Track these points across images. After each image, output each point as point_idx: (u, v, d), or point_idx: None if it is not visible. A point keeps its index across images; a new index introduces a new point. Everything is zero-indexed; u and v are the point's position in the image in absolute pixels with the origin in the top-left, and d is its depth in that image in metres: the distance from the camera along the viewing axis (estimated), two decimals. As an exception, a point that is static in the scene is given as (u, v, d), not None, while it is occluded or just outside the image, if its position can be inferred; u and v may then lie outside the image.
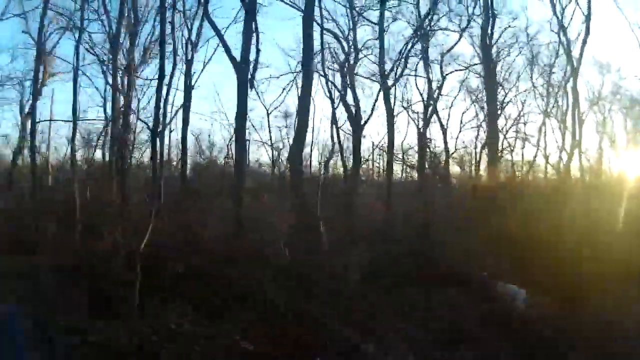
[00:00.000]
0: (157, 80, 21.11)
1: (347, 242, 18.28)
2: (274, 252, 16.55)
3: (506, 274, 17.76)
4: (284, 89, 27.90)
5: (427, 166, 31.07)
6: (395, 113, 27.65)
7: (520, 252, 18.95)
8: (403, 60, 27.55)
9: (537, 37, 31.55)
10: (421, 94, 30.97)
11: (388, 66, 27.76)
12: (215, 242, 17.48)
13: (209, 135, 38.39)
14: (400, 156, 33.49)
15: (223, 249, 16.66)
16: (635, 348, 11.57)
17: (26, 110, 28.52)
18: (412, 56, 28.22)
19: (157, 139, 21.52)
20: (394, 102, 28.27)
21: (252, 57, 21.22)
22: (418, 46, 28.11)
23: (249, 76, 21.50)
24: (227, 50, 21.59)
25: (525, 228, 21.05)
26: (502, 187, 28.15)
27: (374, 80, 28.45)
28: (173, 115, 26.24)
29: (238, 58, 20.92)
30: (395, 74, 27.91)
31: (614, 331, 12.29)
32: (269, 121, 30.78)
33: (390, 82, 27.35)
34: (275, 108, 31.60)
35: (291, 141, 21.00)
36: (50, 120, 28.09)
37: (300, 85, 23.03)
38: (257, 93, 26.88)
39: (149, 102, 24.06)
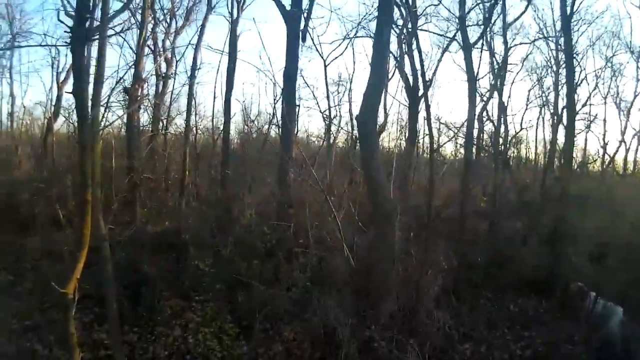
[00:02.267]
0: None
1: (422, 239, 15.03)
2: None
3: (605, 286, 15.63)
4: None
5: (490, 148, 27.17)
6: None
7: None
8: (487, 15, 23.03)
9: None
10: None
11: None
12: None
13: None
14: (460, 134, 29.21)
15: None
16: None
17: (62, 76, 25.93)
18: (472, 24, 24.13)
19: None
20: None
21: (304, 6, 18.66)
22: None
23: (301, 27, 18.89)
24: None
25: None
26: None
27: (450, 39, 23.95)
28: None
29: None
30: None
31: None
32: (326, 79, 25.39)
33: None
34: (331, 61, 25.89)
35: (344, 109, 15.85)
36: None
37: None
38: (315, 46, 22.40)
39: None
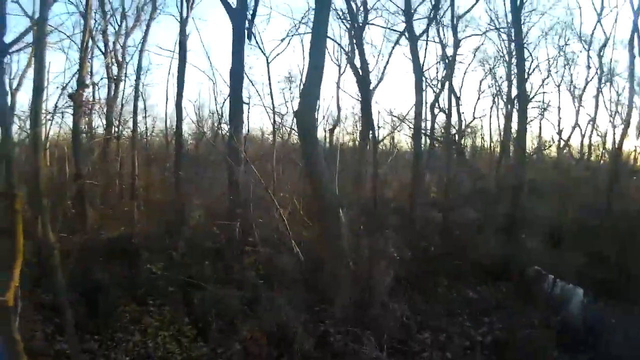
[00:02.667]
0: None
1: (371, 230, 15.35)
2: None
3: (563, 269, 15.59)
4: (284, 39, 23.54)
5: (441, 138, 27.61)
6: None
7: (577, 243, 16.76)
8: (433, 7, 23.68)
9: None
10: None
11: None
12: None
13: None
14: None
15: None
16: None
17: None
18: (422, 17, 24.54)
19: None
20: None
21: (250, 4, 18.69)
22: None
23: (247, 25, 18.92)
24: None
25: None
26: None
27: (398, 32, 24.42)
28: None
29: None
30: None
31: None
32: (269, 76, 25.30)
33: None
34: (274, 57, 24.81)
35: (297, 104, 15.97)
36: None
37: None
38: (258, 44, 22.49)
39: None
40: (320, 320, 11.95)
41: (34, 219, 11.57)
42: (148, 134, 26.78)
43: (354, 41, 24.53)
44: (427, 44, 25.92)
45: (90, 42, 20.96)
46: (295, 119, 16.08)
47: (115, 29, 24.01)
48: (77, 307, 11.39)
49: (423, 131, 24.07)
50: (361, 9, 23.76)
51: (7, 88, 23.03)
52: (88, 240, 15.35)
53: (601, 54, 28.53)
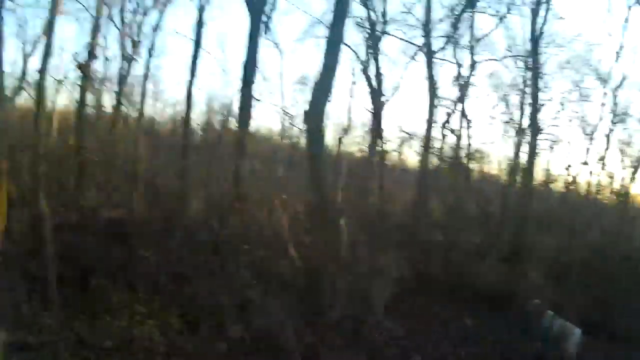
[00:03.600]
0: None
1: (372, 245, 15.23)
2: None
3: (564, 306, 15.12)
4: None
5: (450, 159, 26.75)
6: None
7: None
8: (452, 26, 23.44)
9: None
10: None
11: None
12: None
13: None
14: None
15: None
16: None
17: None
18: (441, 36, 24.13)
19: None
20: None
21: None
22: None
23: (264, 18, 19.06)
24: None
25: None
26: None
27: (416, 45, 24.27)
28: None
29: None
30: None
31: None
32: (282, 73, 25.07)
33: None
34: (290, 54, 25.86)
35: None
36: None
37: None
38: (273, 39, 22.38)
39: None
40: (312, 329, 11.65)
41: (34, 188, 11.30)
42: (157, 119, 26.55)
43: (370, 51, 24.29)
44: (443, 63, 25.13)
45: (105, 14, 20.77)
46: (304, 119, 15.88)
47: (133, 6, 23.55)
48: (68, 283, 11.17)
49: (432, 150, 23.79)
50: (380, 19, 23.61)
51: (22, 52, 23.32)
52: (85, 216, 15.05)
53: (616, 93, 28.23)
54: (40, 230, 9.58)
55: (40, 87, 10.56)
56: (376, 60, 23.48)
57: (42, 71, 9.16)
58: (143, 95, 21.43)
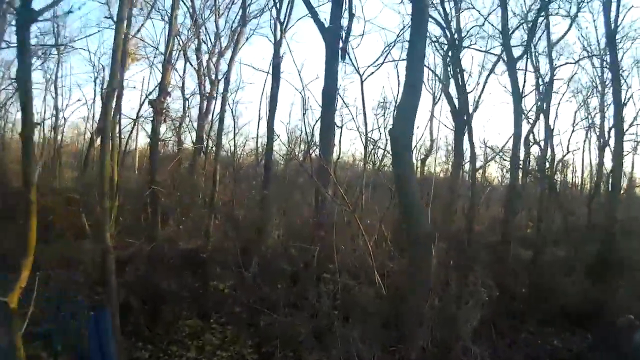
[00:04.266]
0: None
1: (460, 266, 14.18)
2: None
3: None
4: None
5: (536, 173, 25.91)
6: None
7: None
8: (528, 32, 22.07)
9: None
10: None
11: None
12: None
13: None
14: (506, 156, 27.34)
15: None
16: None
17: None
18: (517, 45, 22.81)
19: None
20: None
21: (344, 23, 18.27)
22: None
23: (340, 44, 18.46)
24: (313, 14, 18.50)
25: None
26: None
27: (495, 55, 23.63)
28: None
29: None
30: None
31: None
32: (363, 95, 23.92)
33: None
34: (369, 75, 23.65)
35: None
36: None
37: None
38: (352, 62, 21.68)
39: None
40: (393, 358, 10.77)
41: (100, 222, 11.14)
42: (238, 152, 26.66)
43: (449, 68, 23.63)
44: (525, 73, 24.38)
45: (176, 53, 21.26)
46: (389, 140, 14.98)
47: (207, 47, 24.32)
48: (138, 314, 11.16)
49: (519, 164, 22.38)
50: (455, 35, 22.83)
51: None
52: (158, 248, 14.82)
53: None
54: (105, 262, 9.33)
55: (105, 121, 10.63)
56: (456, 77, 22.57)
57: (106, 107, 9.04)
58: (220, 130, 21.36)
